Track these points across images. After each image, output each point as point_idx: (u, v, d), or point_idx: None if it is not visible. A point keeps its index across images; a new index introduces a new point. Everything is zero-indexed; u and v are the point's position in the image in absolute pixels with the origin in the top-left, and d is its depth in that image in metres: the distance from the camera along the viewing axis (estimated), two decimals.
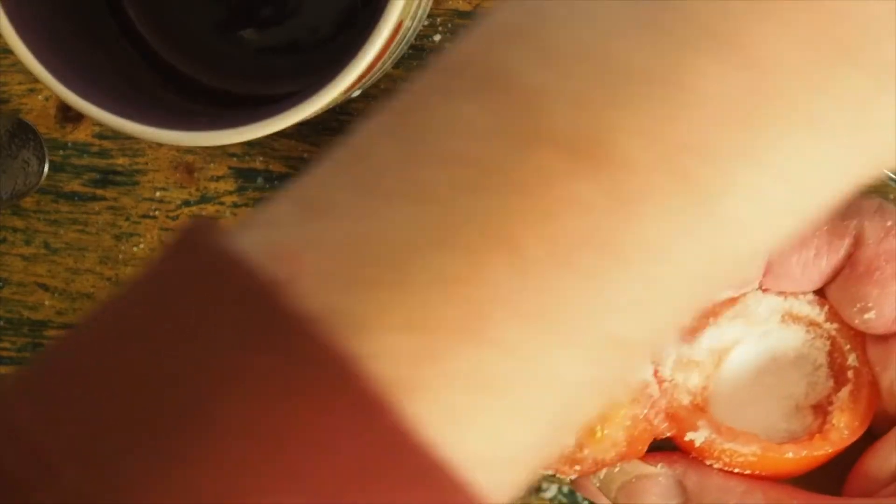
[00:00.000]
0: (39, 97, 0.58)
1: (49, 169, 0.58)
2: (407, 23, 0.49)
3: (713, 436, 0.47)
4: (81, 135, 0.58)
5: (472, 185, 0.28)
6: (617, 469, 0.49)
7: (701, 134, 0.28)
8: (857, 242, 0.47)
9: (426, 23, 0.56)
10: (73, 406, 0.28)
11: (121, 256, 0.58)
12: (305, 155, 0.57)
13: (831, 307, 0.48)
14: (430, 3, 0.54)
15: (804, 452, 0.46)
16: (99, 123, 0.48)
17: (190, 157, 0.57)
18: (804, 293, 0.48)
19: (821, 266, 0.47)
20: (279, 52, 0.55)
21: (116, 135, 0.50)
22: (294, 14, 0.55)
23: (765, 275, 0.47)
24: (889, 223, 0.46)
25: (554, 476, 0.52)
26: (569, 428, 0.31)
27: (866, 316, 0.47)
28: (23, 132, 0.57)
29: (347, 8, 0.54)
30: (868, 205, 0.47)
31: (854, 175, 0.31)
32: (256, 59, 0.55)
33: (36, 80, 0.48)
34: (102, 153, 0.58)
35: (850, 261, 0.47)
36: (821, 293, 0.48)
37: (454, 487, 0.27)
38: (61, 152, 0.58)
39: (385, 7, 0.46)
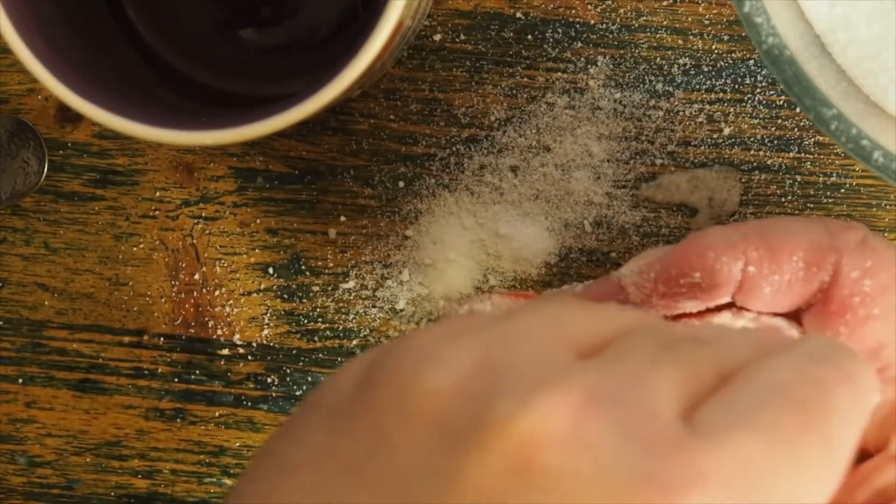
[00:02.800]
0: (39, 97, 0.58)
1: (49, 169, 0.58)
2: (407, 22, 0.49)
3: None
4: (81, 135, 0.58)
5: None
6: None
7: None
8: (834, 279, 0.46)
9: (426, 22, 0.56)
10: None
11: (121, 256, 0.58)
12: (305, 154, 0.57)
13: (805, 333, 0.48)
14: (431, 3, 0.54)
15: None
16: (98, 123, 0.48)
17: (190, 157, 0.57)
18: (776, 315, 0.48)
19: (792, 293, 0.47)
20: (279, 52, 0.55)
21: (116, 135, 0.50)
22: (294, 14, 0.55)
23: (737, 291, 0.47)
24: (869, 263, 0.46)
25: None
26: None
27: None
28: (22, 132, 0.57)
29: (347, 8, 0.54)
30: (851, 237, 0.46)
31: None
32: (256, 59, 0.55)
33: (35, 79, 0.48)
34: (102, 153, 0.58)
35: (824, 295, 0.46)
36: (797, 315, 0.48)
37: None
38: (61, 152, 0.58)
39: (385, 7, 0.46)
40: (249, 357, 0.58)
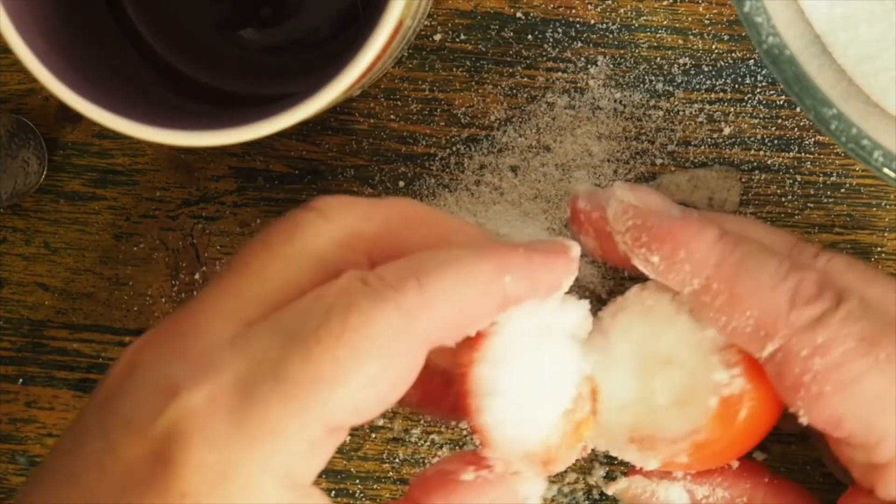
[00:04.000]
0: (39, 97, 0.58)
1: (49, 169, 0.58)
2: (407, 22, 0.49)
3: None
4: (81, 134, 0.58)
5: None
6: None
7: None
8: (785, 356, 0.46)
9: (426, 22, 0.56)
10: None
11: (121, 256, 0.58)
12: (305, 154, 0.57)
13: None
14: (431, 3, 0.54)
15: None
16: (98, 123, 0.48)
17: (190, 157, 0.57)
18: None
19: (733, 335, 0.47)
20: (279, 52, 0.55)
21: (116, 135, 0.50)
22: (294, 14, 0.55)
23: (689, 296, 0.48)
24: (820, 340, 0.45)
25: None
26: None
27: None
28: (23, 132, 0.57)
29: (347, 8, 0.54)
30: (811, 312, 0.46)
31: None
32: (256, 59, 0.55)
33: (36, 79, 0.48)
34: (102, 153, 0.58)
35: (777, 369, 0.47)
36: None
37: None
38: (61, 152, 0.58)
39: (385, 7, 0.46)
40: None
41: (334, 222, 0.46)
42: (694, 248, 0.47)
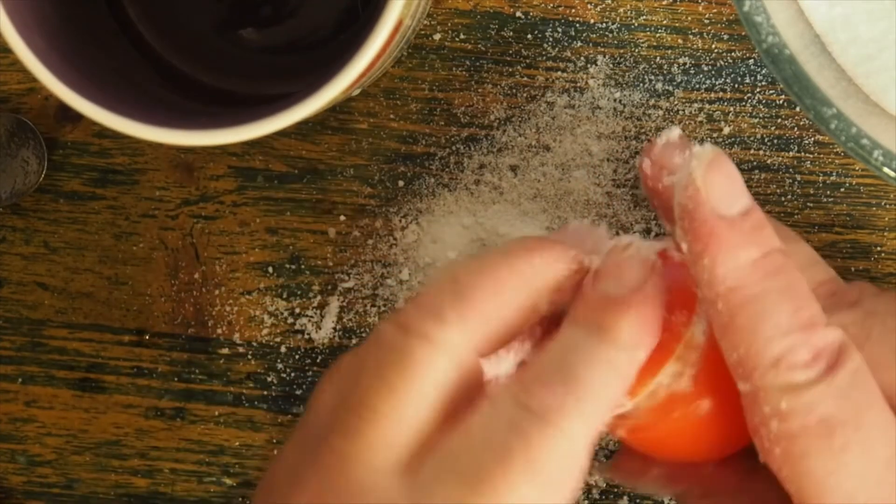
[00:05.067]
0: (39, 96, 0.58)
1: (48, 168, 0.58)
2: (407, 21, 0.49)
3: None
4: (81, 134, 0.58)
5: None
6: None
7: None
8: (749, 403, 0.46)
9: (426, 22, 0.56)
10: None
11: (120, 256, 0.58)
12: (305, 154, 0.57)
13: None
14: (430, 2, 0.54)
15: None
16: (98, 123, 0.48)
17: (190, 157, 0.57)
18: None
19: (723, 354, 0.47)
20: (279, 51, 0.55)
21: (116, 134, 0.50)
22: (294, 14, 0.55)
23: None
24: (783, 406, 0.44)
25: None
26: None
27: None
28: (22, 131, 0.57)
29: (347, 8, 0.55)
30: (789, 377, 0.44)
31: None
32: (256, 59, 0.55)
33: (35, 79, 0.48)
34: (102, 152, 0.58)
35: (747, 408, 0.46)
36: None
37: None
38: (61, 151, 0.58)
39: (385, 6, 0.46)
40: (249, 356, 0.58)
41: (452, 358, 0.45)
42: (719, 261, 0.45)
